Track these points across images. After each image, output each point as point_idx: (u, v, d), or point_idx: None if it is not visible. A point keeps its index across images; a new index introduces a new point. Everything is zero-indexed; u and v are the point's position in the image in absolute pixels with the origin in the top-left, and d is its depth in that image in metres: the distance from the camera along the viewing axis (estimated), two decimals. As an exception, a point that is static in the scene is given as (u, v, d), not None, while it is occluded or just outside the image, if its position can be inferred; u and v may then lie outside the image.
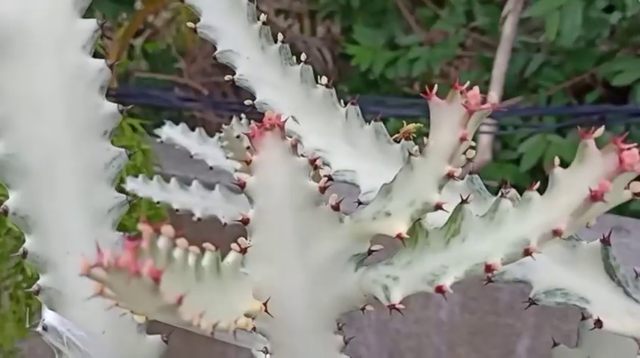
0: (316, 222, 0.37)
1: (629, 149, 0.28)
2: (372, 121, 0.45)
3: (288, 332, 0.38)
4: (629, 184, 0.29)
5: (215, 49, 0.45)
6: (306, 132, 0.46)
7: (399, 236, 0.35)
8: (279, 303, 0.37)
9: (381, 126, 0.45)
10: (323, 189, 0.37)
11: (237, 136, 0.60)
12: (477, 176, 0.43)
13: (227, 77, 0.45)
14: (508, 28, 1.51)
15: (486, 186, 0.43)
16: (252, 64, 0.45)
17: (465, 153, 0.34)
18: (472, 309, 1.11)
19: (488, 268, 0.31)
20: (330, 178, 0.46)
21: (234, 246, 0.34)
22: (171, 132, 0.67)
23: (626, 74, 1.43)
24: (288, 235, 0.37)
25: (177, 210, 0.65)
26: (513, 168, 1.62)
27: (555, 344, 0.45)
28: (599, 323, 0.37)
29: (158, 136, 0.68)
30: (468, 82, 0.32)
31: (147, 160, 0.85)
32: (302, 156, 0.36)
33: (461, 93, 0.32)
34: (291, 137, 0.36)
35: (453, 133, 0.32)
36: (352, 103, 0.45)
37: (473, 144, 0.34)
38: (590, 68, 1.51)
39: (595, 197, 0.28)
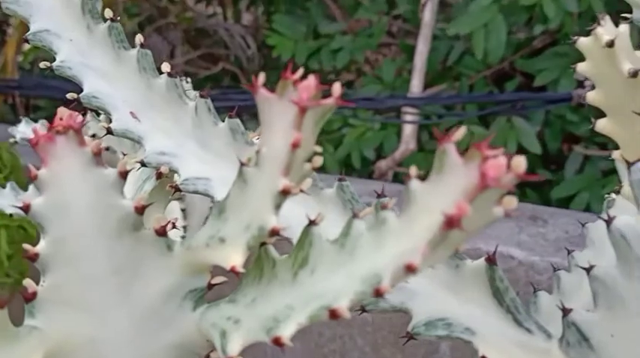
0: (137, 252, 0.29)
1: (494, 157, 0.20)
2: (227, 118, 0.37)
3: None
4: (501, 198, 0.21)
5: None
6: (149, 132, 0.37)
7: (233, 270, 0.27)
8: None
9: (238, 123, 0.37)
10: (141, 209, 0.29)
11: (93, 136, 0.51)
12: (347, 183, 0.35)
13: (43, 64, 0.35)
14: (427, 15, 1.45)
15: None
16: (77, 47, 0.36)
17: (310, 160, 0.26)
18: (394, 308, 1.07)
19: (333, 314, 0.23)
20: (177, 189, 0.38)
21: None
22: (28, 130, 0.57)
23: (548, 73, 1.40)
24: (101, 270, 0.28)
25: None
26: (439, 157, 1.57)
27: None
28: (485, 361, 0.30)
29: (13, 136, 0.57)
30: (301, 71, 0.24)
31: (18, 169, 0.72)
32: (131, 165, 0.28)
33: (294, 84, 0.24)
34: (94, 138, 0.27)
35: (286, 137, 0.24)
36: (202, 96, 0.37)
37: (318, 149, 0.26)
38: (509, 56, 1.47)
39: (450, 223, 0.20)
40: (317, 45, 1.67)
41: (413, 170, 0.23)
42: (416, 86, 1.54)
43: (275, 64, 1.89)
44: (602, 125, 0.33)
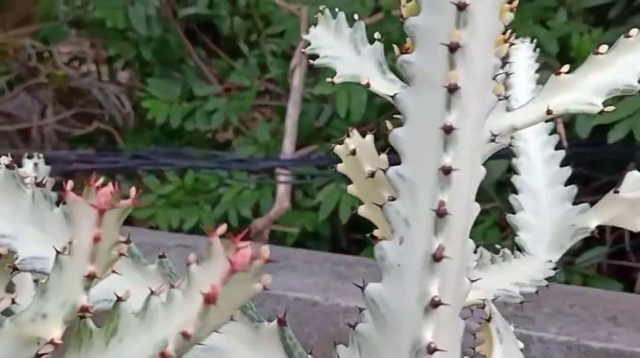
0: (-31, 328, 0.34)
1: (244, 248, 0.27)
2: (61, 204, 0.43)
3: None
4: (260, 276, 0.28)
5: None
6: (-11, 218, 0.42)
7: (52, 342, 0.32)
8: None
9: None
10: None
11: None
12: (167, 260, 0.42)
13: None
14: (296, 80, 1.56)
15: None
16: None
17: (118, 244, 0.33)
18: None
19: (130, 375, 0.30)
20: (15, 268, 0.42)
21: None
22: None
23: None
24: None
25: None
26: (313, 215, 1.66)
27: None
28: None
29: None
30: (102, 179, 0.30)
31: None
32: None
33: (95, 190, 0.30)
34: None
35: (90, 233, 0.30)
36: (38, 185, 0.43)
37: (122, 239, 0.32)
38: (373, 119, 1.60)
39: (208, 301, 0.27)
40: (192, 107, 1.74)
41: (192, 256, 0.30)
42: (288, 147, 1.63)
43: (151, 123, 1.93)
44: (362, 210, 0.42)
